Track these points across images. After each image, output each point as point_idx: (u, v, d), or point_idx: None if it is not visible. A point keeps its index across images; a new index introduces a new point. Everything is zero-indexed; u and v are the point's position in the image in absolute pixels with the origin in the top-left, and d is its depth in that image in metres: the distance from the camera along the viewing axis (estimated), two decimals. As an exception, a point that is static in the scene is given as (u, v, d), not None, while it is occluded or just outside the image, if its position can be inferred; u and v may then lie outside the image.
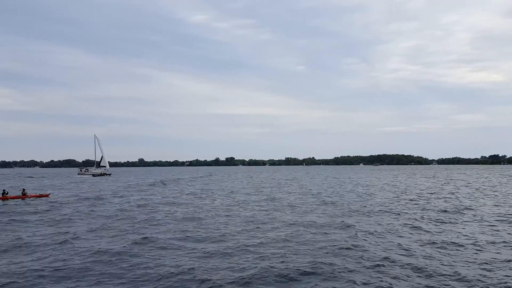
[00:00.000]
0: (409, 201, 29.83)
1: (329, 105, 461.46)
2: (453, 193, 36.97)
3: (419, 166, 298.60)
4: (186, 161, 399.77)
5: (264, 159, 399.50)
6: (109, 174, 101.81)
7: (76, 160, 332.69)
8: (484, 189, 42.95)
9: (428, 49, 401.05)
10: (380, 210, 24.44)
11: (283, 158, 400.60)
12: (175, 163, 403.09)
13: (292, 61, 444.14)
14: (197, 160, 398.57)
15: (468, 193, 37.66)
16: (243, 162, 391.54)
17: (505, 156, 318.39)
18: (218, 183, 62.72)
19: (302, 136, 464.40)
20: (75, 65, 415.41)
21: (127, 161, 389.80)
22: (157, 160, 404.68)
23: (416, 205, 27.15)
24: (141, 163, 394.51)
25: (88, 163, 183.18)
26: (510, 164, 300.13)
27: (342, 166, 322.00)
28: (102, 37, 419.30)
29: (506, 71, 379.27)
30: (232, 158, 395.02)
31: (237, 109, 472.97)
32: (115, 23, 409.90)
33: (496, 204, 27.81)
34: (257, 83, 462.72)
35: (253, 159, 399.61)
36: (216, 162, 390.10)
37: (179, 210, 25.45)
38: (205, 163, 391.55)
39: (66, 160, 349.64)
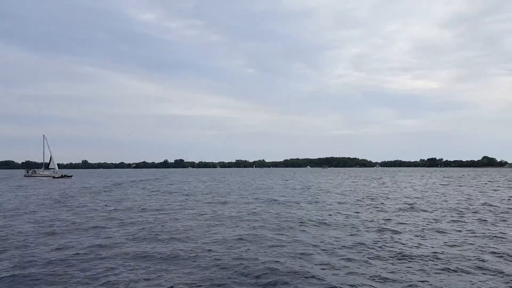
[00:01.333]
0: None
1: (279, 108, 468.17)
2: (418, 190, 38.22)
3: (364, 168, 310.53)
4: (133, 163, 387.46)
5: (214, 161, 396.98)
6: (71, 176, 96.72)
7: (15, 161, 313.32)
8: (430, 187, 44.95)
9: (372, 56, 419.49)
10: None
11: (234, 161, 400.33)
12: (121, 165, 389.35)
13: (241, 63, 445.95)
14: (144, 162, 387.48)
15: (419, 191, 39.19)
16: (192, 165, 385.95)
17: (441, 159, 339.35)
18: (186, 184, 60.93)
19: (252, 138, 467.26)
20: (12, 61, 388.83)
21: (70, 163, 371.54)
22: (101, 162, 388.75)
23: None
24: (85, 165, 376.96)
25: (28, 165, 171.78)
26: (446, 166, 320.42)
27: (291, 168, 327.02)
28: (43, 33, 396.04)
29: (442, 80, 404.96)
30: (181, 160, 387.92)
31: (186, 111, 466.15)
32: (57, 19, 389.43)
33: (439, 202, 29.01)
34: (206, 85, 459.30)
35: (203, 161, 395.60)
36: (165, 164, 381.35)
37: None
38: (153, 165, 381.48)
39: (4, 161, 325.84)
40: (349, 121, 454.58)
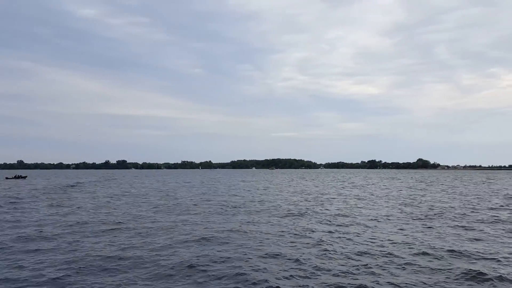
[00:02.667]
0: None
1: (226, 109, 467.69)
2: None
3: (309, 169, 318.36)
4: (72, 164, 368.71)
5: (159, 162, 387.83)
6: (25, 177, 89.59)
7: None
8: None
9: (316, 61, 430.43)
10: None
11: (179, 162, 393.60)
12: (60, 166, 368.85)
13: (188, 63, 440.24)
14: (84, 163, 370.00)
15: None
16: (136, 166, 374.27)
17: (381, 161, 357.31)
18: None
19: (198, 139, 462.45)
20: None
21: (4, 163, 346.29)
22: (39, 162, 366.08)
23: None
24: (21, 165, 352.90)
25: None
26: (384, 168, 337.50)
27: (238, 169, 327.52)
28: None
29: (382, 85, 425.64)
30: (124, 161, 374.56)
31: (130, 110, 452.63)
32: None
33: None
34: (151, 84, 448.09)
35: (147, 162, 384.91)
36: (106, 165, 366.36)
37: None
38: (94, 166, 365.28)
39: None
40: (295, 123, 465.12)
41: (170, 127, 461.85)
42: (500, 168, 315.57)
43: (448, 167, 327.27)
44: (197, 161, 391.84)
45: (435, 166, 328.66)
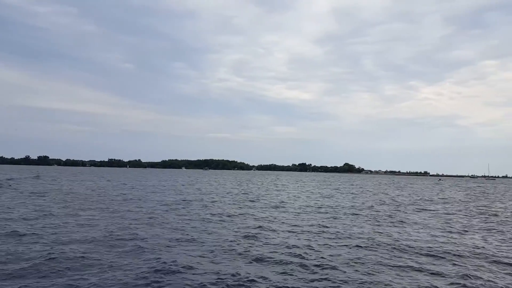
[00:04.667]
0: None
1: (158, 108, 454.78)
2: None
3: (241, 171, 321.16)
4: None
5: (84, 160, 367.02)
6: None
7: None
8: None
9: (252, 64, 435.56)
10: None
11: (106, 160, 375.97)
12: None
13: (119, 58, 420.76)
14: (1, 157, 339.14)
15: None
16: (59, 162, 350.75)
17: (310, 164, 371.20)
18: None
19: (128, 137, 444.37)
20: None
21: None
22: None
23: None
24: None
25: None
26: (314, 171, 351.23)
27: (168, 169, 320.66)
28: None
29: (313, 92, 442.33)
30: (46, 157, 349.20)
31: (54, 103, 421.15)
32: None
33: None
34: (78, 77, 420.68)
35: (71, 159, 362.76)
36: (26, 161, 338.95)
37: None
38: (12, 161, 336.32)
39: None
40: (229, 124, 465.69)
41: (97, 123, 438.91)
42: (416, 174, 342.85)
43: (371, 171, 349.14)
44: (125, 160, 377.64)
45: (360, 171, 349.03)
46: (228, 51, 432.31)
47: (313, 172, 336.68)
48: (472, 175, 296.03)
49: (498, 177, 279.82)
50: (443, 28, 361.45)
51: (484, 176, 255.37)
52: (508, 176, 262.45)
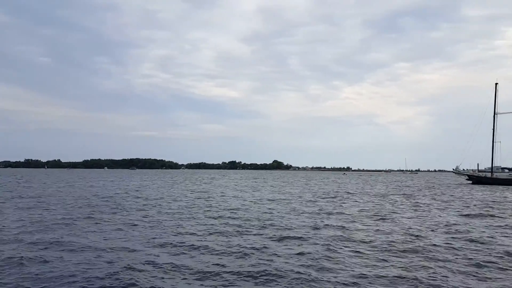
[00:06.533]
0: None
1: (78, 104, 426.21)
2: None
3: (170, 170, 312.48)
4: None
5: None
6: None
7: None
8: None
9: (178, 60, 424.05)
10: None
11: (22, 160, 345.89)
12: None
13: (35, 51, 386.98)
14: None
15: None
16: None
17: (240, 162, 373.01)
18: None
19: (46, 135, 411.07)
20: None
21: None
22: None
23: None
24: None
25: None
26: (244, 169, 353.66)
27: (91, 169, 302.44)
28: None
29: (242, 90, 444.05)
30: None
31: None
32: None
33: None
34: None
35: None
36: None
37: None
38: None
39: None
40: (155, 122, 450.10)
41: (9, 120, 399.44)
42: (339, 169, 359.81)
43: (298, 168, 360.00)
44: (44, 160, 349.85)
45: (288, 167, 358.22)
46: (153, 46, 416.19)
47: (243, 170, 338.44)
48: (389, 169, 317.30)
49: (411, 171, 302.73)
50: (362, 31, 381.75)
51: (409, 171, 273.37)
52: (420, 170, 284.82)
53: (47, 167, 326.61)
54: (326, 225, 16.89)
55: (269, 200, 30.18)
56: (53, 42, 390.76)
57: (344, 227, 16.43)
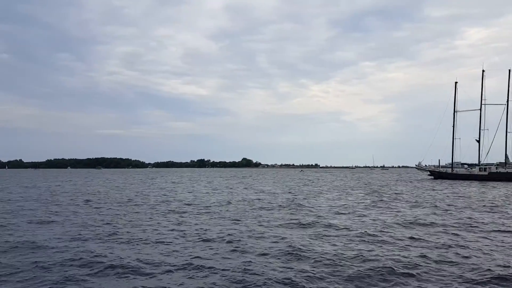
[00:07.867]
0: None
1: (40, 102, 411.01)
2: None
3: (137, 169, 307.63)
4: None
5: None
6: None
7: None
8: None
9: (144, 57, 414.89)
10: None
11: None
12: None
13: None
14: None
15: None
16: None
17: (209, 160, 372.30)
18: None
19: (6, 135, 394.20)
20: None
21: None
22: None
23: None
24: None
25: None
26: (213, 167, 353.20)
27: (55, 169, 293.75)
28: None
29: (210, 87, 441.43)
30: None
31: None
32: None
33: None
34: None
35: None
36: None
37: None
38: None
39: None
40: (121, 120, 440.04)
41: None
42: (308, 166, 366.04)
43: (267, 165, 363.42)
44: (4, 160, 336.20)
45: (257, 165, 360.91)
46: (118, 42, 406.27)
47: (212, 168, 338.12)
48: (354, 166, 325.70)
49: (377, 167, 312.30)
50: (328, 30, 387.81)
51: (381, 167, 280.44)
52: (385, 166, 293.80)
53: (8, 168, 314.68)
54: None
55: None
56: (12, 38, 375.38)
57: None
